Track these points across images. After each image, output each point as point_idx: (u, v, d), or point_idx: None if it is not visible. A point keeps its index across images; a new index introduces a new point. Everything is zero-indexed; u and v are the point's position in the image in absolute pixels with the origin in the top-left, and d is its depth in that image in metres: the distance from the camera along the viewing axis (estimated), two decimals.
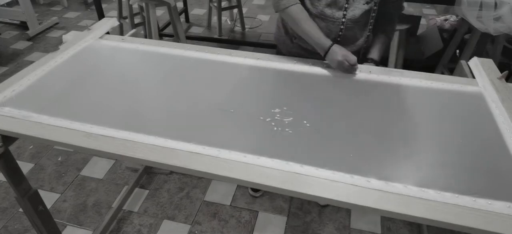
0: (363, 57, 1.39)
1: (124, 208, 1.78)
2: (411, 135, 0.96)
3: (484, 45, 2.49)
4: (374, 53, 1.37)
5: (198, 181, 1.93)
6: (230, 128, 0.99)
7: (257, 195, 1.85)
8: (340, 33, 1.28)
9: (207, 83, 1.20)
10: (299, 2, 1.26)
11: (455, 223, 0.72)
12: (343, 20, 1.25)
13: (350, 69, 1.23)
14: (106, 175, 1.99)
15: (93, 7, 3.45)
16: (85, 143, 0.93)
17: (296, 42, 1.38)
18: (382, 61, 1.49)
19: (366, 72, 1.25)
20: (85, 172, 2.01)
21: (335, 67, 1.25)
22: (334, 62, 1.23)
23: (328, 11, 1.25)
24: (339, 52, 1.21)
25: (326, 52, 1.24)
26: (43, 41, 3.50)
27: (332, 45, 1.23)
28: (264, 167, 0.85)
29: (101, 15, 2.92)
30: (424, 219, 0.74)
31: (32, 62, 1.30)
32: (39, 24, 3.65)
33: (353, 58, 1.21)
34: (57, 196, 1.86)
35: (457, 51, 2.67)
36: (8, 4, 3.64)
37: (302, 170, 0.84)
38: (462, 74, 1.29)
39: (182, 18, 3.81)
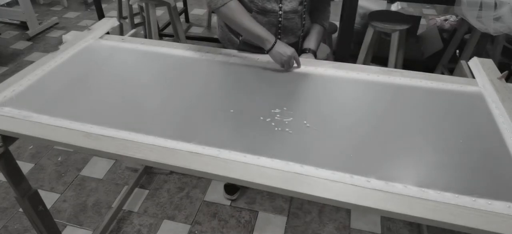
0: (301, 48, 1.43)
1: (124, 208, 1.78)
2: (411, 135, 0.96)
3: (484, 45, 2.49)
4: (311, 43, 1.39)
5: (198, 181, 1.93)
6: (230, 128, 0.99)
7: (233, 197, 1.82)
8: (280, 25, 1.30)
9: (207, 83, 1.20)
10: None
11: (455, 223, 0.72)
12: (280, 13, 1.27)
13: (290, 66, 1.25)
14: (106, 175, 1.99)
15: (93, 7, 3.45)
16: (85, 143, 0.93)
17: (242, 39, 1.37)
18: (383, 62, 1.50)
19: (366, 73, 1.25)
20: (85, 172, 2.01)
21: (278, 62, 1.24)
22: (280, 57, 1.23)
23: (268, 5, 1.26)
24: (287, 50, 1.23)
25: (271, 47, 1.23)
26: (43, 41, 3.50)
27: (276, 40, 1.23)
28: (264, 167, 0.85)
29: (101, 15, 2.92)
30: (424, 219, 0.74)
31: (32, 62, 1.30)
32: (39, 24, 3.65)
33: (293, 56, 1.23)
34: (57, 196, 1.86)
35: (457, 51, 2.67)
36: (8, 4, 3.63)
37: (302, 170, 0.84)
38: (462, 74, 1.29)
39: (182, 18, 3.81)
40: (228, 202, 1.81)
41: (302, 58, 1.32)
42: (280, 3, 1.27)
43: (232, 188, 1.82)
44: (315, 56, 1.41)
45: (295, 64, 1.27)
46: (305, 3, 1.32)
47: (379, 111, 1.06)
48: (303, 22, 1.36)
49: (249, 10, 1.27)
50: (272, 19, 1.29)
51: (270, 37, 1.23)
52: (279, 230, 1.68)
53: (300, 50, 1.41)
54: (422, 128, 0.99)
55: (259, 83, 1.21)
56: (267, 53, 1.25)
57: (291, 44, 1.32)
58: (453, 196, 0.77)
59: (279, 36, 1.32)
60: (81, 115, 1.02)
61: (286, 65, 1.24)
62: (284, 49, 1.23)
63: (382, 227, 1.68)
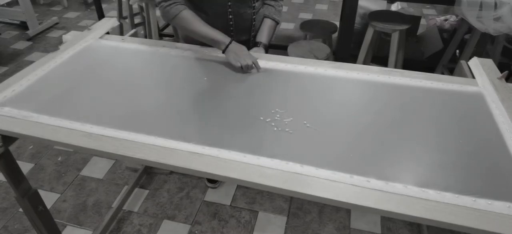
0: (252, 42, 1.46)
1: (124, 208, 1.78)
2: (411, 135, 0.96)
3: (484, 45, 2.49)
4: (262, 37, 1.42)
5: (198, 181, 1.93)
6: (230, 128, 0.99)
7: (215, 186, 1.88)
8: (231, 23, 1.35)
9: (207, 83, 1.20)
10: (186, 6, 1.28)
11: (455, 223, 0.72)
12: (230, 10, 1.32)
13: (248, 66, 1.24)
14: (106, 175, 1.99)
15: (93, 7, 3.45)
16: (85, 143, 0.93)
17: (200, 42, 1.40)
18: (383, 62, 1.51)
19: (366, 73, 1.25)
20: (85, 172, 2.01)
21: (233, 63, 1.25)
22: (234, 56, 1.25)
23: (220, 9, 1.31)
24: (239, 52, 1.25)
25: (226, 48, 1.27)
26: (43, 41, 3.50)
27: (231, 41, 1.27)
28: (264, 167, 0.85)
29: (101, 15, 2.92)
30: (424, 219, 0.74)
31: (32, 62, 1.30)
32: (39, 24, 3.65)
33: (250, 61, 1.24)
34: (57, 196, 1.86)
35: (457, 51, 2.67)
36: (8, 4, 3.64)
37: (302, 170, 0.84)
38: (462, 74, 1.29)
39: None
40: (228, 202, 1.81)
41: (254, 52, 1.36)
42: (229, 1, 1.31)
43: None
44: (266, 50, 1.44)
45: (253, 66, 1.26)
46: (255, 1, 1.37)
47: (379, 111, 1.06)
48: (254, 20, 1.41)
49: (205, 13, 1.32)
50: (224, 22, 1.34)
51: (225, 39, 1.27)
52: (279, 230, 1.68)
53: (253, 44, 1.46)
54: (422, 128, 0.99)
55: (259, 83, 1.21)
56: (223, 53, 1.28)
57: (243, 42, 1.37)
58: (453, 196, 0.77)
59: (232, 34, 1.36)
60: (81, 115, 1.02)
61: (243, 66, 1.23)
62: (237, 50, 1.26)
63: (382, 227, 1.68)
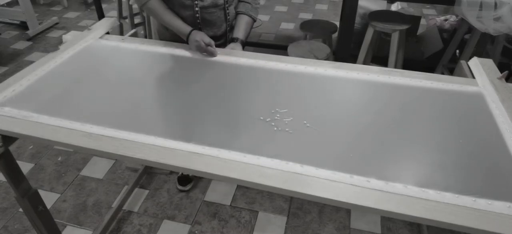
0: (231, 38, 1.49)
1: (124, 208, 1.78)
2: (411, 135, 0.96)
3: (484, 45, 2.49)
4: (239, 33, 1.46)
5: (198, 181, 1.93)
6: (230, 128, 0.99)
7: (186, 189, 1.87)
8: (198, 19, 1.39)
9: (207, 83, 1.20)
10: None
11: (455, 223, 0.72)
12: (197, 9, 1.37)
13: (208, 50, 1.34)
14: (106, 175, 1.99)
15: (93, 7, 3.45)
16: (85, 143, 0.93)
17: (170, 30, 1.46)
18: (383, 62, 1.52)
19: (366, 73, 1.25)
20: (85, 172, 2.01)
21: (194, 50, 1.37)
22: (192, 45, 1.37)
23: (186, 1, 1.36)
24: (196, 36, 1.34)
25: (187, 38, 1.37)
26: (43, 41, 3.50)
27: (191, 31, 1.36)
28: (264, 167, 0.85)
29: (101, 15, 2.92)
30: (424, 219, 0.74)
31: (32, 62, 1.30)
32: (39, 24, 3.65)
33: (208, 39, 1.34)
34: (57, 196, 1.86)
35: (457, 51, 2.67)
36: (8, 4, 3.63)
37: (302, 170, 0.84)
38: (462, 74, 1.29)
39: None
40: (228, 202, 1.81)
41: (230, 49, 1.41)
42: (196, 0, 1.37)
43: (185, 179, 1.87)
44: (243, 46, 1.47)
45: (210, 46, 1.34)
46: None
47: (379, 111, 1.06)
48: (227, 15, 1.45)
49: (173, 5, 1.38)
50: (192, 13, 1.38)
51: (186, 29, 1.37)
52: (279, 230, 1.68)
53: (230, 40, 1.48)
54: (422, 128, 0.99)
55: (259, 83, 1.21)
56: (186, 42, 1.38)
57: (218, 36, 1.46)
58: (453, 196, 0.77)
59: (199, 27, 1.41)
60: (81, 115, 1.02)
61: (202, 50, 1.35)
62: (196, 36, 1.34)
63: (382, 227, 1.68)
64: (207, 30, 1.43)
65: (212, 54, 1.35)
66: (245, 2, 1.50)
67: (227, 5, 1.42)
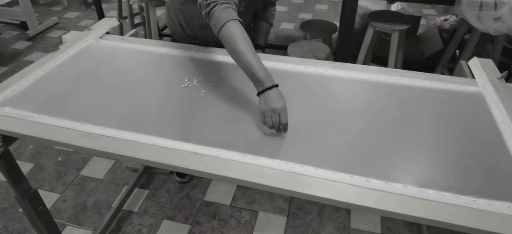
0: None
1: (124, 208, 1.78)
2: (411, 135, 0.96)
3: (484, 45, 2.49)
4: (260, 39, 1.50)
5: (198, 181, 1.93)
6: (230, 128, 0.99)
7: (184, 180, 1.91)
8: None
9: (206, 83, 1.20)
10: (237, 18, 1.02)
11: (455, 223, 0.72)
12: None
13: (278, 127, 0.95)
14: (106, 175, 1.99)
15: (93, 7, 3.45)
16: (85, 143, 0.93)
17: (195, 42, 1.44)
18: (383, 62, 1.52)
19: (366, 73, 1.25)
20: (85, 172, 2.01)
21: (263, 112, 0.94)
22: (268, 109, 0.93)
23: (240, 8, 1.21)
24: (280, 102, 0.93)
25: (264, 91, 0.94)
26: (43, 41, 3.50)
27: (274, 86, 0.95)
28: (264, 167, 0.85)
29: (101, 15, 2.92)
30: (424, 219, 0.74)
31: (32, 62, 1.30)
32: (39, 24, 3.65)
33: (283, 120, 0.93)
34: (57, 196, 1.86)
35: (457, 51, 2.67)
36: (8, 4, 3.63)
37: (302, 170, 0.84)
38: (462, 74, 1.29)
39: None
40: (228, 202, 1.81)
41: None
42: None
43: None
44: (263, 51, 1.53)
45: (280, 125, 0.94)
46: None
47: (379, 111, 1.06)
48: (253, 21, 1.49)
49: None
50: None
51: (267, 80, 0.94)
52: (279, 230, 1.68)
53: None
54: (422, 128, 0.99)
55: None
56: (258, 95, 0.97)
57: None
58: (453, 196, 0.77)
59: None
60: (81, 115, 1.02)
61: (274, 124, 0.93)
62: (276, 101, 0.93)
63: (382, 227, 1.68)
64: None
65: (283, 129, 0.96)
66: (263, 9, 1.52)
67: (254, 13, 1.44)
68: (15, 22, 3.73)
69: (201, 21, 1.23)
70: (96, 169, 2.03)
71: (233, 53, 1.00)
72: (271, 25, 1.57)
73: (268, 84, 0.94)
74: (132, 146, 0.91)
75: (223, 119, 1.03)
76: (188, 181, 1.92)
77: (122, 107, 1.08)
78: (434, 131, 0.98)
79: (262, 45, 1.51)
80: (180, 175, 1.92)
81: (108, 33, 1.54)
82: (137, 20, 3.20)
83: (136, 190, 1.88)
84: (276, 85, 0.95)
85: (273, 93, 0.94)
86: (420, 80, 1.20)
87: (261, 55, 1.35)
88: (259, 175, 0.83)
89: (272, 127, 0.94)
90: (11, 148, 1.08)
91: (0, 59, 3.17)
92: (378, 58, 2.67)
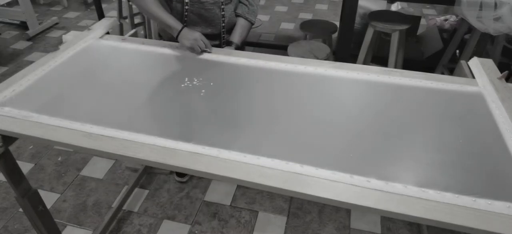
0: (226, 41, 1.52)
1: (124, 208, 1.78)
2: (411, 135, 0.96)
3: (484, 45, 2.49)
4: (235, 37, 1.48)
5: (198, 181, 1.93)
6: (230, 128, 0.99)
7: (184, 180, 1.91)
8: (186, 16, 1.41)
9: (206, 83, 1.20)
10: None
11: (455, 223, 0.72)
12: (187, 1, 1.38)
13: (199, 48, 1.31)
14: (106, 175, 1.99)
15: (93, 7, 3.45)
16: (85, 143, 0.93)
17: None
18: (383, 62, 1.52)
19: (366, 73, 1.25)
20: (85, 172, 2.01)
21: (186, 47, 1.34)
22: (186, 42, 1.32)
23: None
24: (194, 34, 1.32)
25: (178, 33, 1.34)
26: (43, 41, 3.50)
27: (183, 28, 1.33)
28: (264, 167, 0.85)
29: (101, 15, 2.92)
30: (424, 219, 0.74)
31: (32, 62, 1.30)
32: (39, 24, 3.65)
33: (206, 40, 1.31)
34: (57, 196, 1.86)
35: (457, 51, 2.67)
36: (8, 4, 3.63)
37: (302, 170, 0.84)
38: (462, 74, 1.29)
39: None
40: (228, 202, 1.81)
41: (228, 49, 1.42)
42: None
43: None
44: (239, 49, 1.48)
45: (206, 48, 1.32)
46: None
47: (379, 111, 1.06)
48: (223, 15, 1.44)
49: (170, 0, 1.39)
50: (190, 8, 1.38)
51: (177, 25, 1.33)
52: (279, 230, 1.68)
53: (225, 43, 1.50)
54: (422, 128, 0.99)
55: (259, 83, 1.21)
56: (176, 39, 1.35)
57: (214, 36, 1.45)
58: (453, 196, 0.77)
59: (185, 24, 1.39)
60: (81, 115, 1.02)
61: (195, 48, 1.31)
62: (188, 34, 1.32)
63: (382, 227, 1.68)
64: (203, 28, 1.43)
65: (202, 53, 1.34)
66: (243, 4, 1.49)
67: (223, 3, 1.41)
68: (15, 22, 3.73)
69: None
70: (96, 169, 2.03)
71: (148, 13, 1.36)
72: (251, 23, 1.52)
73: (179, 27, 1.32)
74: (132, 146, 0.91)
75: (223, 119, 1.03)
76: (188, 180, 1.92)
77: (122, 107, 1.08)
78: (434, 131, 0.98)
79: (237, 44, 1.47)
80: (180, 174, 1.92)
81: (108, 33, 1.54)
82: (137, 20, 3.20)
83: (136, 190, 1.88)
84: (183, 26, 1.33)
85: (186, 30, 1.32)
86: (420, 80, 1.20)
87: (262, 55, 1.35)
88: (259, 175, 0.83)
89: (200, 52, 1.32)
90: (11, 148, 1.08)
91: (0, 59, 3.17)
92: (378, 58, 2.67)
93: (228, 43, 1.46)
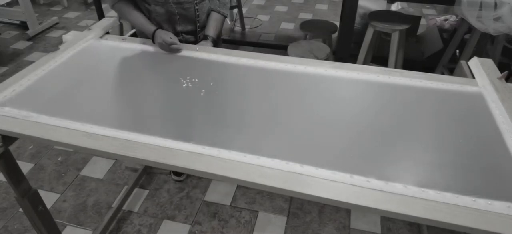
0: (200, 34, 1.54)
1: (124, 208, 1.78)
2: (411, 135, 0.96)
3: (484, 45, 2.49)
4: (210, 31, 1.50)
5: (198, 181, 1.93)
6: (230, 128, 0.99)
7: (181, 179, 1.92)
8: (177, 15, 1.43)
9: (206, 83, 1.20)
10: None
11: (455, 223, 0.72)
12: (172, 3, 1.40)
13: (171, 49, 1.36)
14: (106, 175, 1.99)
15: (93, 7, 3.45)
16: (85, 143, 0.93)
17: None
18: (383, 62, 1.52)
19: (366, 73, 1.25)
20: (85, 172, 2.01)
21: (160, 48, 1.39)
22: (157, 45, 1.39)
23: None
24: (159, 37, 1.36)
25: (152, 37, 1.40)
26: (43, 41, 3.50)
27: (155, 30, 1.39)
28: (264, 167, 0.85)
29: (101, 15, 2.92)
30: (424, 219, 0.74)
31: (32, 62, 1.30)
32: (39, 24, 3.65)
33: (169, 39, 1.35)
34: (57, 196, 1.86)
35: (457, 51, 2.67)
36: (8, 4, 3.63)
37: (302, 170, 0.84)
38: (462, 74, 1.29)
39: None
40: (228, 202, 1.81)
41: (203, 46, 1.44)
42: None
43: None
44: (215, 43, 1.50)
45: (173, 45, 1.36)
46: None
47: (379, 111, 1.06)
48: (197, 11, 1.47)
49: (148, 3, 1.41)
50: (170, 9, 1.41)
51: (151, 28, 1.40)
52: (279, 230, 1.68)
53: (201, 38, 1.52)
54: (422, 128, 0.99)
55: (259, 83, 1.21)
56: (153, 40, 1.41)
57: (190, 32, 1.50)
58: (453, 196, 0.77)
59: (177, 22, 1.45)
60: (81, 115, 1.02)
61: (165, 50, 1.37)
62: (160, 37, 1.36)
63: (382, 227, 1.68)
64: (184, 25, 1.47)
65: (177, 51, 1.38)
66: None
67: (196, 1, 1.44)
68: (15, 22, 3.73)
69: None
70: (96, 169, 2.03)
71: (127, 20, 1.45)
72: (224, 16, 1.54)
73: (153, 29, 1.39)
74: (132, 146, 0.91)
75: (223, 119, 1.03)
76: (187, 180, 1.92)
77: (122, 107, 1.08)
78: (434, 131, 0.98)
79: (212, 37, 1.49)
80: (177, 173, 1.93)
81: (108, 33, 1.54)
82: None
83: (136, 190, 1.88)
84: (156, 29, 1.40)
85: (159, 32, 1.38)
86: (420, 80, 1.20)
87: (262, 55, 1.35)
88: (259, 175, 0.83)
89: (175, 50, 1.38)
90: (11, 148, 1.08)
91: (0, 59, 3.17)
92: (378, 58, 2.67)
93: (204, 38, 1.50)
